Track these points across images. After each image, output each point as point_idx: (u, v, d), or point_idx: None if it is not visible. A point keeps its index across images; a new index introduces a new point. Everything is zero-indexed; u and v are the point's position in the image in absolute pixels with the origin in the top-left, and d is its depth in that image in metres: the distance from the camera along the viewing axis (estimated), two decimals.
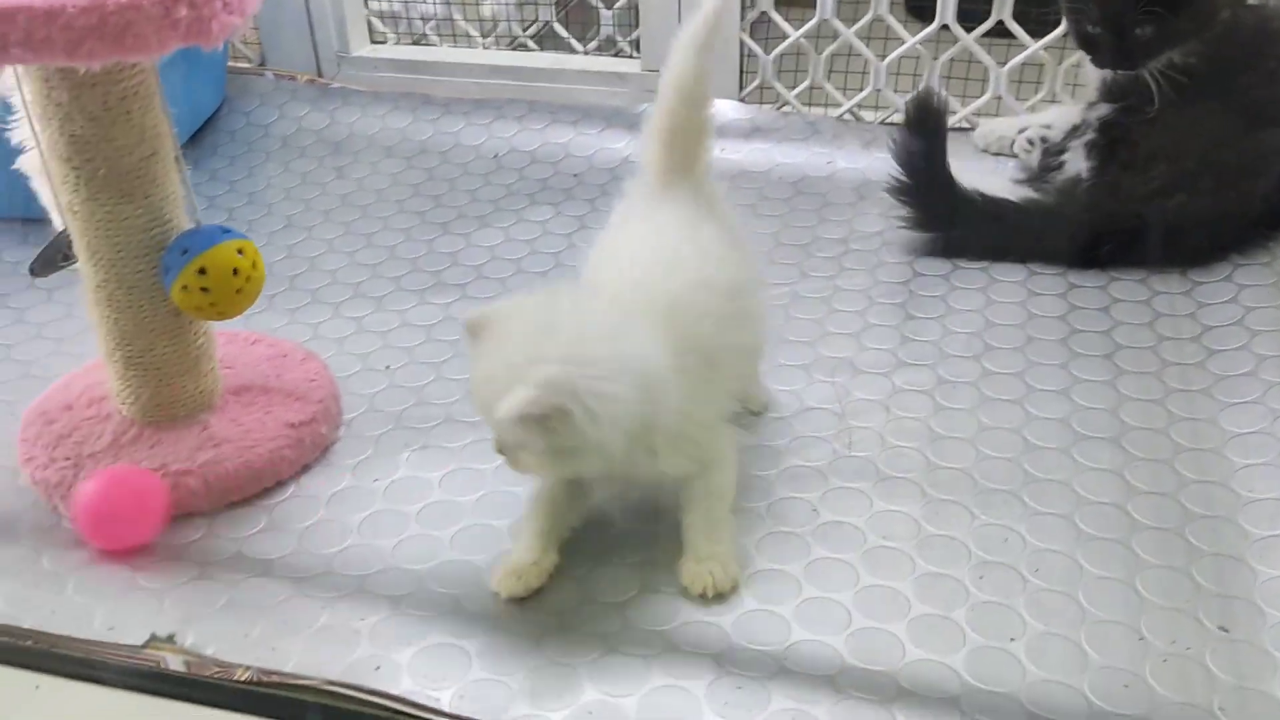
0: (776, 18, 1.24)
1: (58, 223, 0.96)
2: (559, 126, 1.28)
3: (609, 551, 0.72)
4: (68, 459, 0.76)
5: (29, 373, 0.91)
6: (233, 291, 0.73)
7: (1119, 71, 0.95)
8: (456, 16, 1.38)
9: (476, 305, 0.97)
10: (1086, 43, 0.96)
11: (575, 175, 1.21)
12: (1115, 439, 0.80)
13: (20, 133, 0.89)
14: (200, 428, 0.79)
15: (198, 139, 1.27)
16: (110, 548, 0.71)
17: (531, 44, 1.37)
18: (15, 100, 0.90)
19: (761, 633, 0.66)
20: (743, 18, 1.24)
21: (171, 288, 0.73)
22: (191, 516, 0.75)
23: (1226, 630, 0.65)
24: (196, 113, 1.27)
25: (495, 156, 1.25)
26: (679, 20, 1.24)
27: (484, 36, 1.37)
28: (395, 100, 1.33)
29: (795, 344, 0.92)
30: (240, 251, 0.74)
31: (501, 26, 1.37)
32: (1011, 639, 0.65)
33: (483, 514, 0.76)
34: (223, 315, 0.74)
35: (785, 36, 1.24)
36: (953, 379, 0.87)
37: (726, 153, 1.22)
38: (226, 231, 0.74)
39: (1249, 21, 0.95)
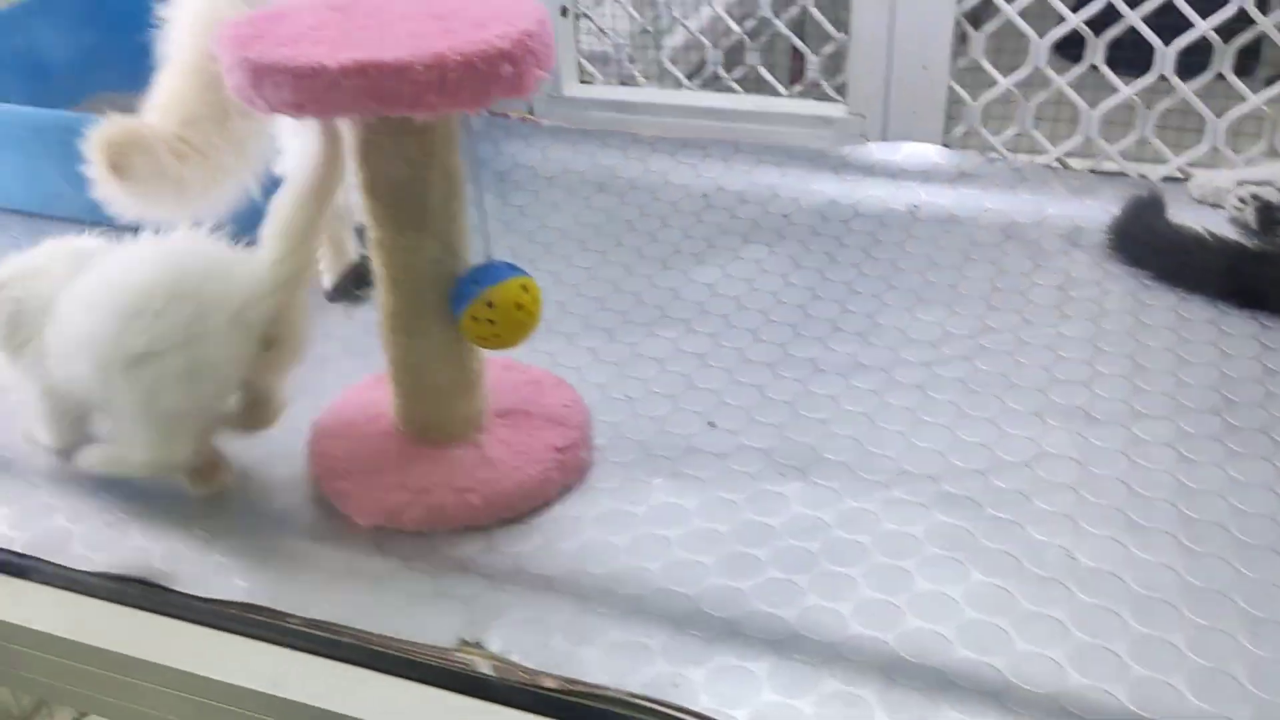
0: (987, 66, 1.25)
1: (350, 255, 1.04)
2: (764, 167, 1.32)
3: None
4: (361, 473, 0.83)
5: (302, 389, 0.98)
6: (516, 324, 0.79)
7: None
8: (663, 59, 1.43)
9: (705, 340, 1.04)
10: None
11: (784, 215, 1.25)
12: None
13: (283, 165, 0.97)
14: (474, 448, 0.85)
15: None
16: None
17: (736, 86, 1.42)
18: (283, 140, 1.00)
19: (1038, 676, 0.68)
20: (952, 64, 1.26)
21: (461, 317, 0.79)
22: (472, 531, 0.81)
23: None
24: None
25: (704, 195, 1.30)
26: (887, 65, 1.28)
27: (689, 78, 1.42)
28: (604, 138, 1.39)
29: (1024, 390, 0.94)
30: (524, 288, 0.79)
31: (707, 69, 1.42)
32: None
33: (741, 542, 0.79)
34: (503, 345, 0.80)
35: (993, 83, 1.26)
36: (1193, 431, 0.88)
37: (933, 197, 1.24)
38: (512, 268, 0.80)
39: None
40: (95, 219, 0.93)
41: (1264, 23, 1.13)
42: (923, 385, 0.95)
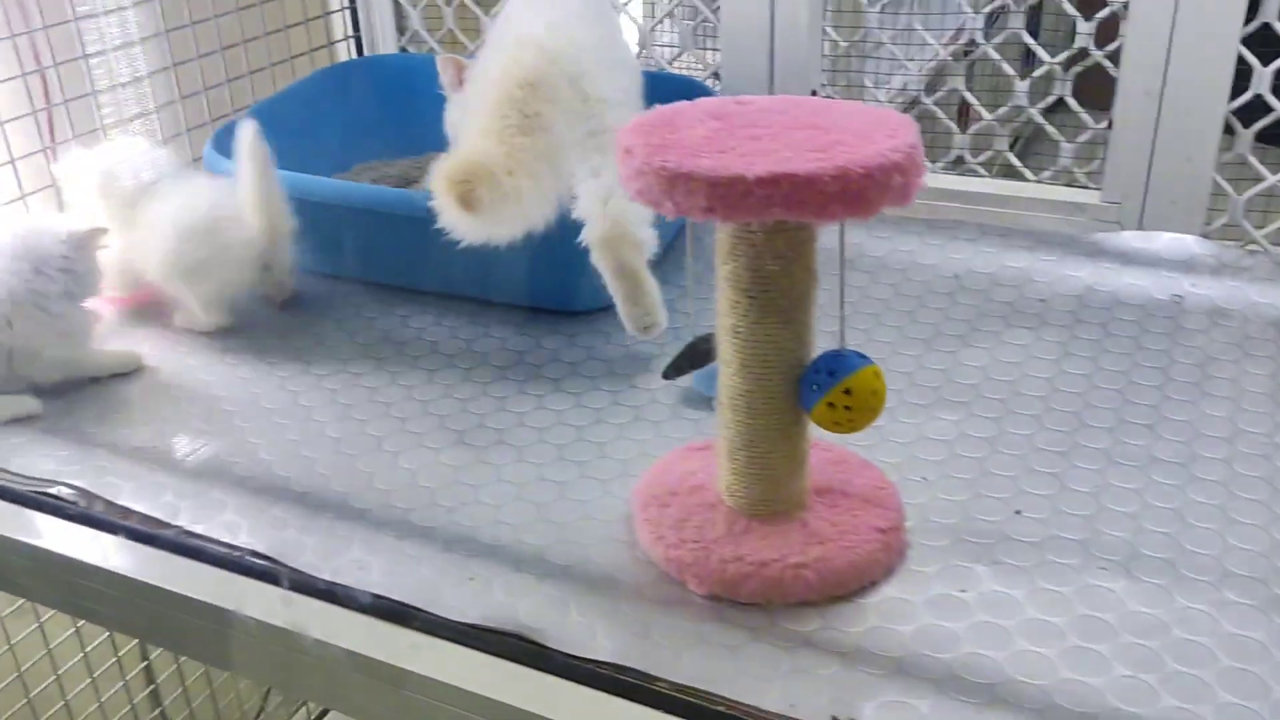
0: (1253, 160, 1.27)
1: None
2: (1013, 251, 1.35)
3: None
4: (695, 542, 0.88)
5: (604, 454, 1.04)
6: (869, 411, 0.83)
7: None
8: None
9: (988, 424, 1.07)
10: None
11: (1041, 300, 1.27)
12: None
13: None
14: (800, 524, 0.89)
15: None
16: None
17: (981, 170, 1.45)
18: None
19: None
20: (1218, 158, 1.28)
21: (815, 404, 0.84)
22: (804, 607, 0.85)
23: None
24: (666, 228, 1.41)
25: (955, 276, 1.33)
26: (1149, 156, 1.30)
27: (933, 162, 1.46)
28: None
29: None
30: (876, 375, 0.84)
31: (952, 153, 1.46)
32: None
33: (1080, 636, 0.81)
34: (852, 431, 0.84)
35: (1259, 177, 1.27)
36: None
37: (1197, 289, 1.25)
38: (864, 357, 0.84)
39: None
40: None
41: None
42: (1226, 483, 0.96)
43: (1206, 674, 0.77)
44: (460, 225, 1.01)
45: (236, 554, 0.89)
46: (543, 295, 1.26)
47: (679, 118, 0.83)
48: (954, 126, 1.45)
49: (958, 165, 1.47)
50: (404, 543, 0.90)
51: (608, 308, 1.27)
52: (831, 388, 0.82)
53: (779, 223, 0.79)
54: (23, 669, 1.32)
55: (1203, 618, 0.82)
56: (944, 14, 1.59)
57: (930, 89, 1.46)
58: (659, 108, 0.85)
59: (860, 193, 0.73)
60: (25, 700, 1.34)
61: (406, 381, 1.15)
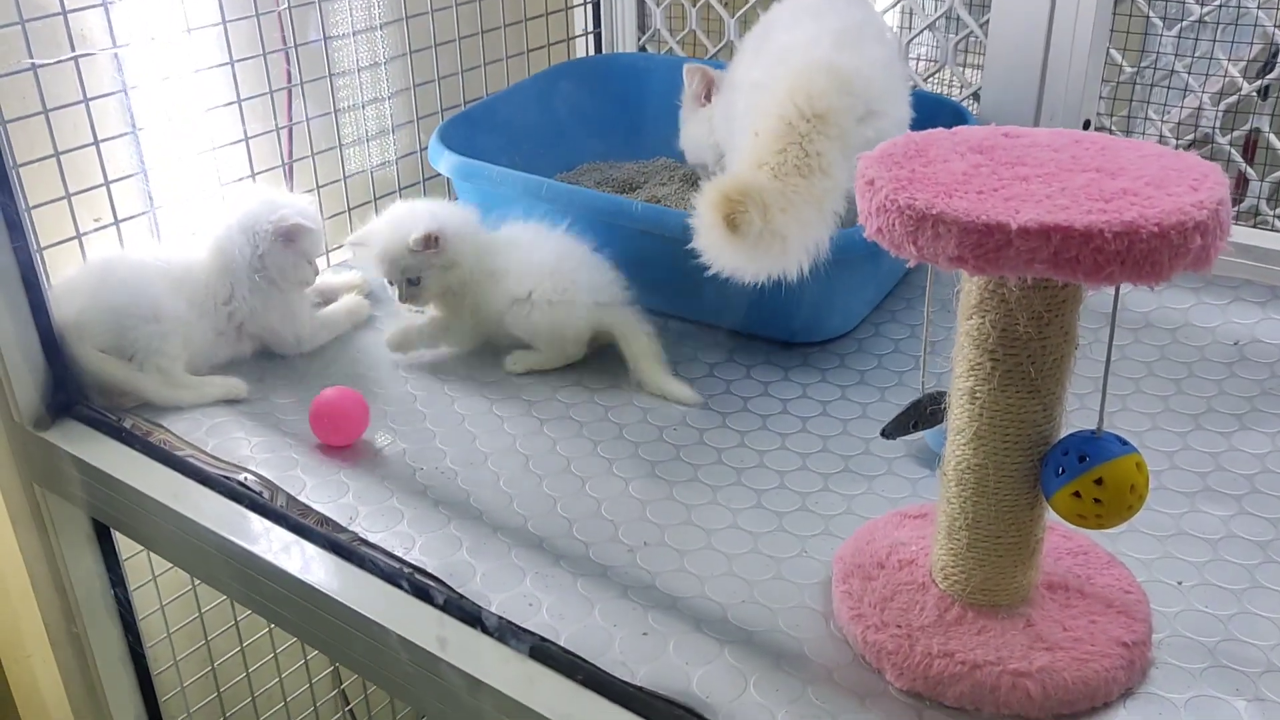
0: None
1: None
2: None
3: None
4: (899, 627, 0.77)
5: (805, 507, 0.95)
6: (1125, 507, 0.71)
7: None
8: None
9: (1264, 525, 0.90)
10: None
11: None
12: None
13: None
14: (1024, 622, 0.77)
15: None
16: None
17: (1279, 221, 1.26)
18: None
19: None
20: None
21: (1058, 490, 0.72)
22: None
23: None
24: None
25: (1235, 344, 1.15)
26: None
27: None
28: None
29: None
30: (1138, 467, 0.71)
31: (1247, 202, 1.27)
32: None
33: None
34: (1102, 527, 0.72)
35: None
36: None
37: None
38: (1125, 444, 0.72)
39: None
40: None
41: None
42: None
43: None
44: (717, 249, 0.95)
45: (407, 570, 0.85)
46: (761, 322, 1.18)
47: (933, 148, 0.72)
48: (1249, 170, 1.26)
49: (1252, 216, 1.28)
50: (579, 581, 0.84)
51: (829, 341, 1.18)
52: (1081, 474, 0.70)
53: (1044, 279, 0.68)
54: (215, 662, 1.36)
55: None
56: (1246, 43, 1.39)
57: (1225, 126, 1.28)
58: (909, 134, 0.75)
59: (1149, 255, 0.61)
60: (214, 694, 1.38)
61: (605, 401, 1.09)
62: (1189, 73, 1.27)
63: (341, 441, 1.01)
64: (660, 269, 1.18)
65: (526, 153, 1.41)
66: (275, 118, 1.24)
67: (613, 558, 0.88)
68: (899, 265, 1.14)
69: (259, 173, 1.24)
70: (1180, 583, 0.85)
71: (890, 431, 0.95)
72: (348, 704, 1.57)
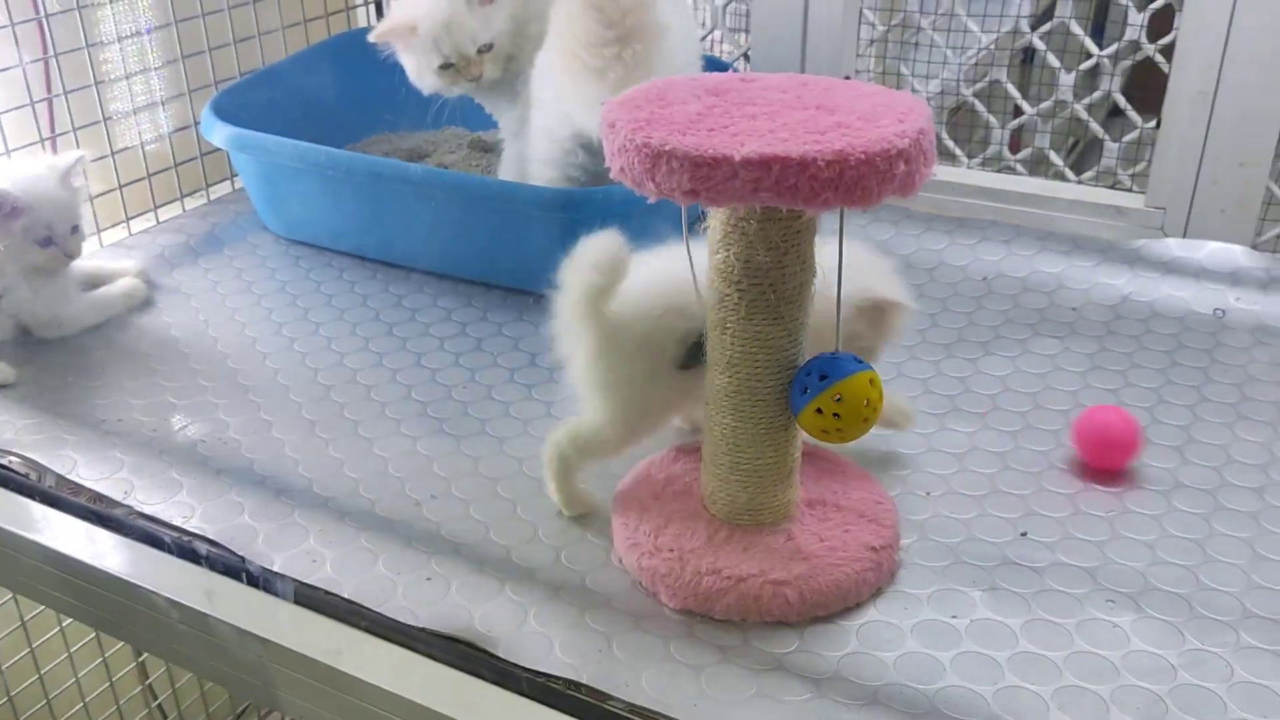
0: None
1: None
2: (1048, 255, 1.27)
3: None
4: (672, 551, 0.82)
5: None
6: (861, 420, 0.77)
7: None
8: (942, 134, 1.40)
9: (1003, 438, 0.99)
10: None
11: (1074, 309, 1.19)
12: None
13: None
14: (785, 537, 0.83)
15: None
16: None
17: (1020, 168, 1.37)
18: None
19: None
20: (1274, 164, 1.19)
21: (803, 409, 0.77)
22: (782, 627, 0.79)
23: None
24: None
25: (984, 279, 1.25)
26: (1199, 160, 1.21)
27: (969, 157, 1.39)
28: (875, 212, 1.36)
29: None
30: (871, 382, 0.77)
31: (990, 148, 1.38)
32: None
33: (1078, 675, 0.74)
34: (843, 440, 0.78)
35: None
36: None
37: (1243, 303, 1.17)
38: (860, 361, 0.78)
39: None
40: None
41: None
42: (1257, 515, 0.89)
43: None
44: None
45: (186, 539, 0.84)
46: (549, 279, 1.20)
47: (673, 92, 0.76)
48: (993, 120, 1.37)
49: (995, 161, 1.39)
50: (363, 535, 0.85)
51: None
52: (822, 392, 0.76)
53: (773, 210, 0.73)
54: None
55: (1215, 661, 0.75)
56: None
57: (979, 82, 1.38)
58: (653, 81, 0.79)
59: (858, 180, 0.67)
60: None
61: (392, 364, 1.10)
62: (935, 29, 1.36)
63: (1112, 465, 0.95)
64: (440, 228, 1.19)
65: (308, 125, 1.39)
66: (30, 92, 1.19)
67: (399, 512, 0.89)
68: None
69: (15, 149, 1.18)
70: (929, 493, 0.93)
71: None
72: (155, 699, 1.53)
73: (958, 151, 1.39)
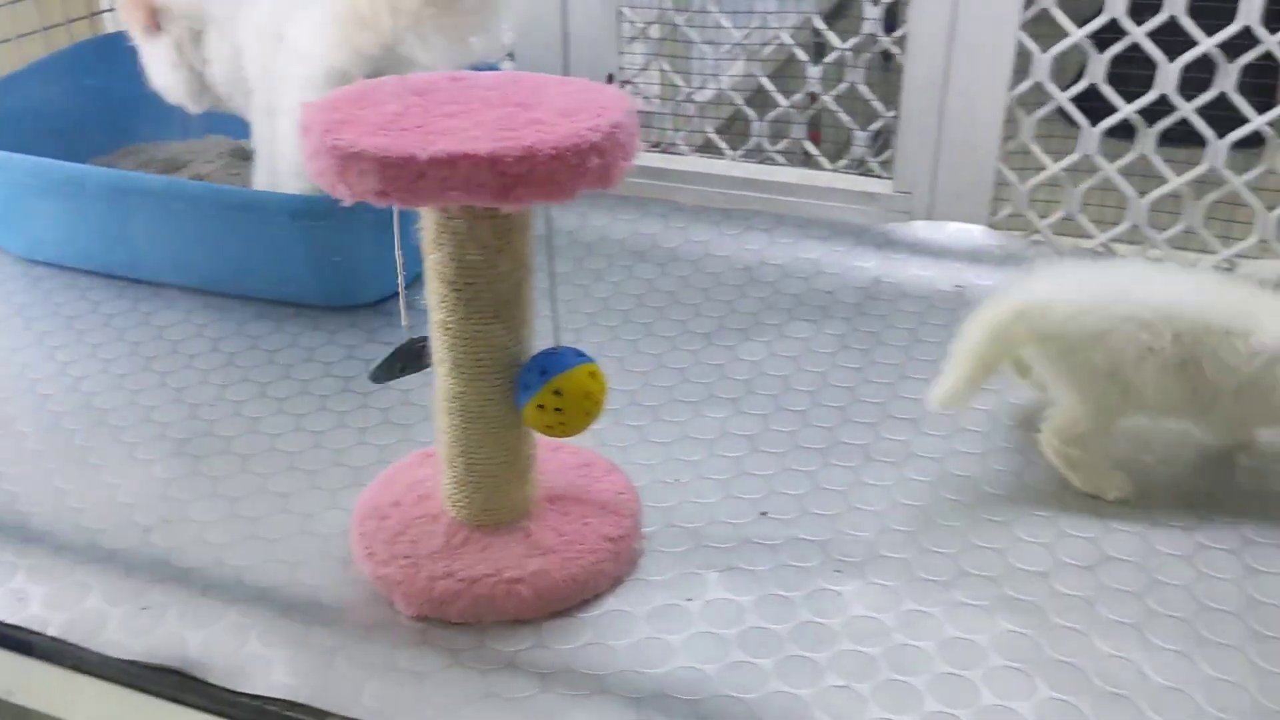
0: (1036, 150, 1.25)
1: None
2: (808, 241, 1.32)
3: None
4: (406, 557, 0.81)
5: (339, 461, 0.97)
6: (583, 413, 0.78)
7: None
8: (707, 128, 1.43)
9: (753, 422, 1.02)
10: None
11: (828, 292, 1.24)
12: None
13: None
14: (524, 534, 0.83)
15: None
16: None
17: (780, 159, 1.41)
18: None
19: None
20: (1001, 147, 1.26)
21: (526, 405, 0.78)
22: (520, 624, 0.79)
23: None
24: None
25: (747, 268, 1.29)
26: (935, 145, 1.28)
27: (733, 149, 1.42)
28: (644, 206, 1.39)
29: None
30: (591, 375, 0.78)
31: (751, 140, 1.41)
32: None
33: (799, 644, 0.77)
34: (567, 434, 0.79)
35: (1042, 166, 1.25)
36: (1260, 539, 0.86)
37: (979, 278, 1.24)
38: (580, 355, 0.78)
39: None
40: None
41: None
42: (978, 479, 0.94)
43: (919, 681, 0.74)
44: None
45: None
46: (312, 289, 1.18)
47: (375, 93, 0.76)
48: (751, 113, 1.41)
49: (758, 154, 1.43)
50: (78, 569, 0.81)
51: (379, 302, 1.20)
52: (541, 387, 0.77)
53: (482, 208, 0.73)
54: None
55: (928, 621, 0.79)
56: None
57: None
58: (362, 82, 0.78)
59: (550, 175, 0.67)
60: None
61: (134, 385, 1.05)
62: (690, 26, 1.39)
63: None
64: (200, 246, 1.15)
65: (51, 138, 1.31)
66: None
67: (124, 540, 0.85)
68: None
69: None
70: (678, 480, 0.95)
71: (377, 376, 0.97)
72: None
73: (721, 144, 1.43)
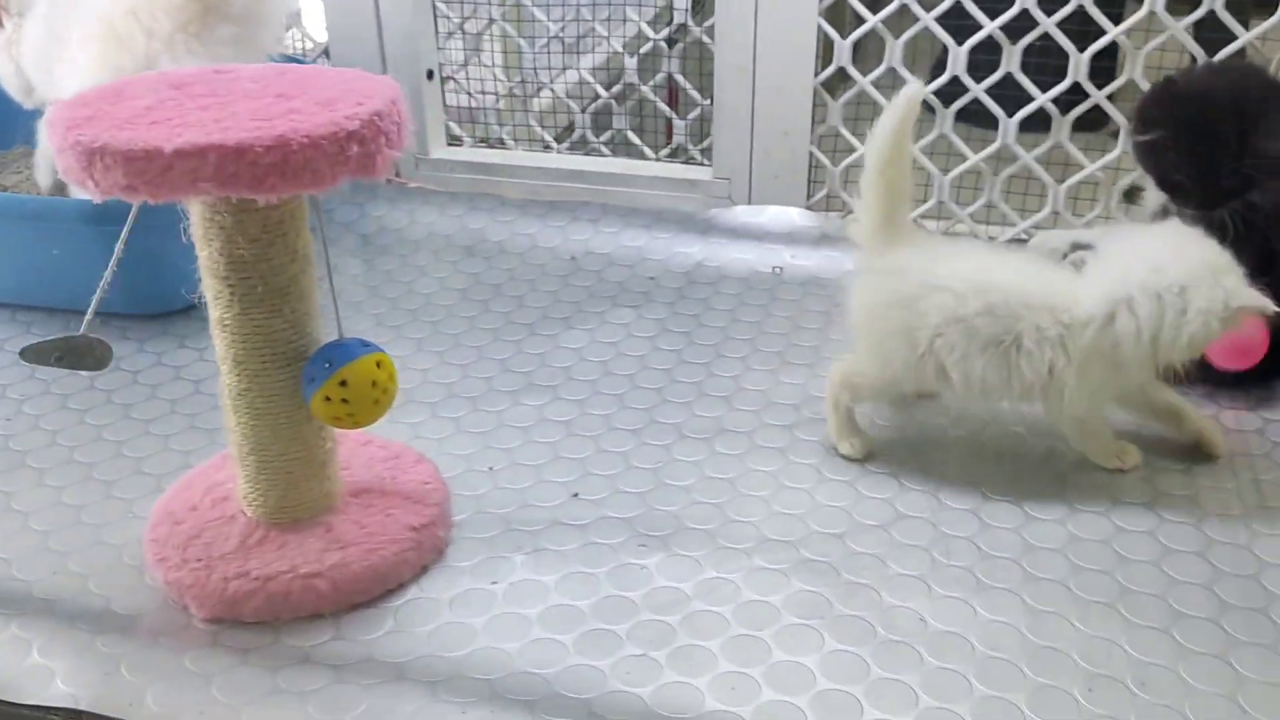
0: (845, 132, 1.29)
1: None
2: (632, 230, 1.33)
3: None
4: (199, 560, 0.79)
5: (140, 470, 0.94)
6: (371, 403, 0.77)
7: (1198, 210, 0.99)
8: (531, 122, 1.44)
9: (571, 407, 1.03)
10: (1174, 187, 0.99)
11: (651, 279, 1.26)
12: (1201, 553, 0.84)
13: None
14: (324, 529, 0.82)
15: None
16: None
17: (604, 149, 1.43)
18: None
19: None
20: (813, 131, 1.30)
21: (312, 398, 0.77)
22: (319, 619, 0.78)
23: None
24: None
25: (572, 258, 1.30)
26: (750, 131, 1.31)
27: (558, 142, 1.43)
28: (472, 201, 1.39)
29: (880, 452, 0.96)
30: (379, 364, 0.78)
31: (576, 132, 1.43)
32: None
33: (601, 618, 0.78)
34: (358, 425, 0.78)
35: (852, 148, 1.30)
36: (1037, 490, 0.91)
37: (797, 259, 1.27)
38: (366, 345, 0.78)
39: None
40: None
41: (1097, 95, 1.19)
42: (785, 449, 0.97)
43: (714, 644, 0.76)
44: None
45: None
46: (112, 297, 1.13)
47: (132, 88, 0.74)
48: (573, 105, 1.42)
49: (583, 145, 1.44)
50: None
51: (187, 310, 1.17)
52: (327, 379, 0.76)
53: (246, 201, 0.72)
54: None
55: (726, 587, 0.81)
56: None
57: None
58: (120, 79, 0.77)
59: (306, 164, 0.67)
60: None
61: None
62: (506, 20, 1.39)
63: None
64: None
65: None
66: None
67: None
68: None
69: None
70: (491, 468, 0.95)
71: (26, 354, 0.91)
72: None
73: (546, 137, 1.43)
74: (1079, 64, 1.18)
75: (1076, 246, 1.18)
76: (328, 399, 0.76)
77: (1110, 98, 1.19)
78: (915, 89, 0.92)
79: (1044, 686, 0.72)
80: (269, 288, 0.75)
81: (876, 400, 0.97)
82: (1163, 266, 0.84)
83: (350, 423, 0.78)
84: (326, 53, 1.41)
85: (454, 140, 1.45)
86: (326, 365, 0.76)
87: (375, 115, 0.70)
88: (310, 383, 0.77)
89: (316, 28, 1.45)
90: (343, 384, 0.76)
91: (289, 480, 0.81)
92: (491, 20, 1.39)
